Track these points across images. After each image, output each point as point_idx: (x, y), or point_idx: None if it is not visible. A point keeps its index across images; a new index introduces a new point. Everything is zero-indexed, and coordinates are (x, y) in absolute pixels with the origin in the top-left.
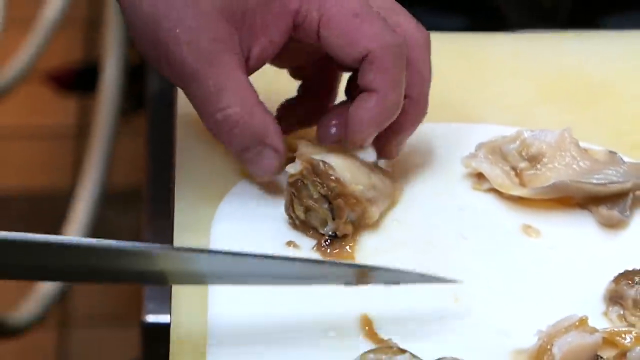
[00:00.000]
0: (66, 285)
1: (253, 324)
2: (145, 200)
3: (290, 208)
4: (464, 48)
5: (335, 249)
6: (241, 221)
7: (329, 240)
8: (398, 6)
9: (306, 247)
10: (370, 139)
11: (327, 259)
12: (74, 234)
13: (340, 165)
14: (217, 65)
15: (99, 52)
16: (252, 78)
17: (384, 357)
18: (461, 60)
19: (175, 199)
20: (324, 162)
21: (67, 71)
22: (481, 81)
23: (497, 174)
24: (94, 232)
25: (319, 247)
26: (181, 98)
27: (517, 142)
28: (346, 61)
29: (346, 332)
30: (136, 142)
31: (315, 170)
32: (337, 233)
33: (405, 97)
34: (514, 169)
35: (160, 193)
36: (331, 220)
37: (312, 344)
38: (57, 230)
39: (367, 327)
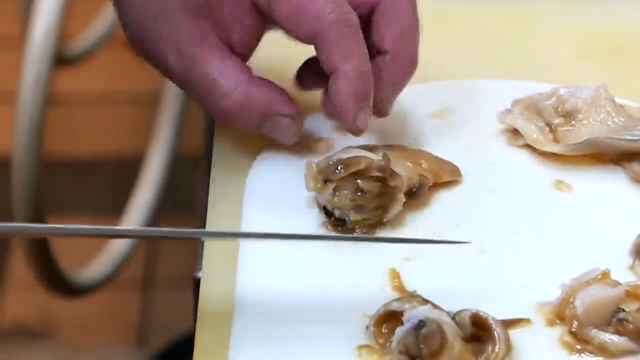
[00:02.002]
0: (134, 248)
1: (283, 277)
2: (203, 159)
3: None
4: (507, 5)
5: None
6: (276, 174)
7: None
8: None
9: None
10: (362, 115)
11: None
12: (145, 196)
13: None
14: (202, 62)
15: None
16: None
17: (407, 306)
18: (502, 17)
19: (213, 153)
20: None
21: None
22: (521, 38)
23: (531, 130)
24: (164, 193)
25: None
26: None
27: (553, 99)
28: (299, 40)
29: (375, 285)
30: None
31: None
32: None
33: (383, 52)
34: (548, 125)
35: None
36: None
37: (341, 296)
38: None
39: (395, 280)
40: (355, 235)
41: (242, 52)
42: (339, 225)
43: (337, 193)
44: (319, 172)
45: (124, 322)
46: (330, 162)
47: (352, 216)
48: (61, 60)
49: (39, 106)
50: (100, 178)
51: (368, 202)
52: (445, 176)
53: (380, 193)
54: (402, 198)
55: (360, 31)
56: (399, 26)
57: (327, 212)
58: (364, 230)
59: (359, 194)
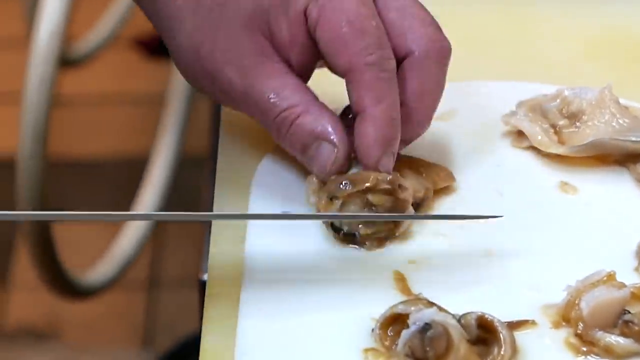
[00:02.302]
0: (139, 250)
1: (288, 280)
2: (208, 160)
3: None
4: (511, 6)
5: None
6: (282, 176)
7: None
8: (419, 8)
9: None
10: (386, 160)
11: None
12: (150, 196)
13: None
14: (265, 75)
15: None
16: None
17: (412, 309)
18: (506, 18)
19: (219, 154)
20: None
21: (156, 36)
22: (526, 39)
23: (536, 132)
24: (169, 194)
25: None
26: None
27: (558, 100)
28: (334, 70)
29: (380, 288)
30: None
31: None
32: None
33: (401, 105)
34: (553, 126)
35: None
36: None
37: (346, 299)
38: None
39: (401, 283)
40: (373, 214)
41: (301, 74)
42: (349, 239)
43: (343, 209)
44: (321, 187)
45: (129, 323)
46: (333, 177)
47: (362, 230)
48: (66, 61)
49: (43, 107)
50: (105, 179)
51: None
52: (440, 182)
53: (392, 207)
54: (412, 210)
55: (396, 79)
56: (422, 85)
57: (335, 228)
58: (374, 244)
59: (368, 208)
